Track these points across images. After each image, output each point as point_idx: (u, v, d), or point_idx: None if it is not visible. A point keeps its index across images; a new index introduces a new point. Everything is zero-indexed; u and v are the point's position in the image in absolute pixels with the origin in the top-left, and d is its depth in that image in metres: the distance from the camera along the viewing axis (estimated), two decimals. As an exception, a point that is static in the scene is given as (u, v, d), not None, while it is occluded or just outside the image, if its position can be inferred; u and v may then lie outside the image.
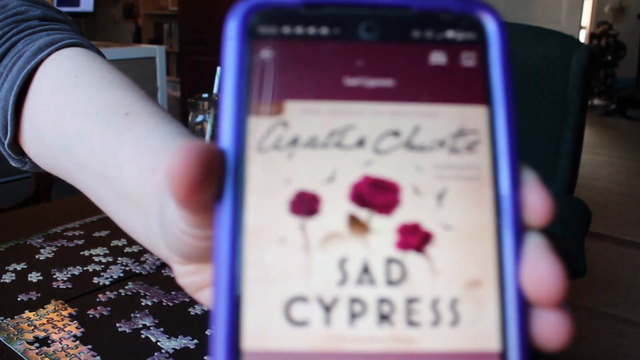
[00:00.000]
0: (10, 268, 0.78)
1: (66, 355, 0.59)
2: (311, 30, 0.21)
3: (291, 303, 0.19)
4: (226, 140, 0.21)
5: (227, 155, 0.20)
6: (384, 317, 0.19)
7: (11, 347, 0.60)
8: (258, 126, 0.21)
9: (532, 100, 1.44)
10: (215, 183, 0.20)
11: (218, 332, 0.19)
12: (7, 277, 0.75)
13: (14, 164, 0.45)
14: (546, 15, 4.41)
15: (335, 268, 0.20)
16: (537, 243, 0.20)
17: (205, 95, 0.94)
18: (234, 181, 0.20)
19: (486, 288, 0.20)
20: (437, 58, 0.21)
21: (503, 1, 4.29)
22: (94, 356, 0.59)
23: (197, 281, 0.27)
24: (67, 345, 0.61)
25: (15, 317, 0.66)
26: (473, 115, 0.21)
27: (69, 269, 0.78)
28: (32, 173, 1.50)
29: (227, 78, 0.21)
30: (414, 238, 0.20)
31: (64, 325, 0.65)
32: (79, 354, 0.60)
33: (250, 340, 0.19)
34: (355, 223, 0.20)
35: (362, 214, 0.20)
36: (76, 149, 0.36)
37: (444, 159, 0.21)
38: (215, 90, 0.96)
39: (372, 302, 0.20)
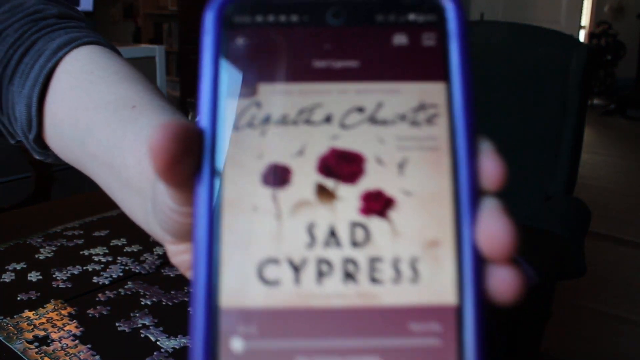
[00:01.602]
0: (10, 268, 0.78)
1: (66, 355, 0.59)
2: (282, 18, 0.23)
3: (264, 264, 0.21)
4: (204, 119, 0.22)
5: (205, 132, 0.22)
6: (349, 276, 0.21)
7: (11, 346, 0.61)
8: (234, 107, 0.22)
9: (531, 100, 1.44)
10: (193, 158, 0.22)
11: (197, 292, 0.21)
12: (7, 277, 0.75)
13: (37, 157, 0.47)
14: (546, 15, 4.41)
15: (304, 232, 0.21)
16: (491, 205, 0.21)
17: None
18: (211, 156, 0.22)
19: (444, 247, 0.21)
20: (399, 39, 0.23)
21: (503, 1, 4.29)
22: (93, 355, 0.60)
23: (188, 260, 0.30)
24: (67, 345, 0.61)
25: (15, 316, 0.66)
26: (432, 91, 0.22)
27: (68, 268, 0.78)
28: (31, 173, 1.50)
29: (205, 64, 0.22)
30: (377, 204, 0.21)
31: (63, 324, 0.65)
32: (79, 353, 0.60)
33: (226, 298, 0.21)
34: (322, 192, 0.22)
35: (329, 183, 0.22)
36: (87, 141, 0.38)
37: (406, 131, 0.22)
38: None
39: (338, 262, 0.21)
